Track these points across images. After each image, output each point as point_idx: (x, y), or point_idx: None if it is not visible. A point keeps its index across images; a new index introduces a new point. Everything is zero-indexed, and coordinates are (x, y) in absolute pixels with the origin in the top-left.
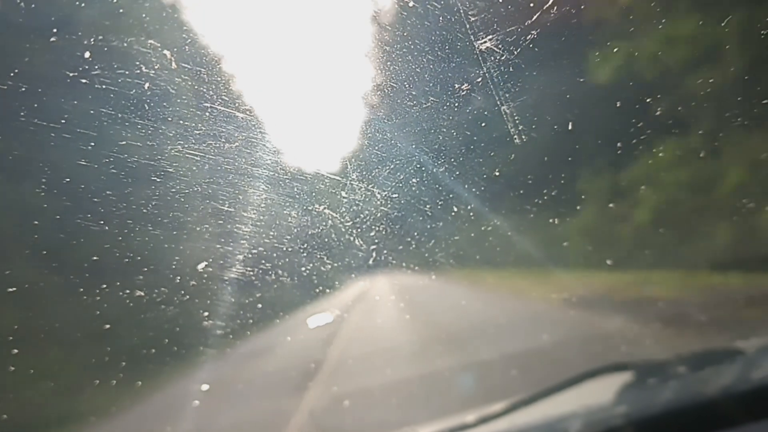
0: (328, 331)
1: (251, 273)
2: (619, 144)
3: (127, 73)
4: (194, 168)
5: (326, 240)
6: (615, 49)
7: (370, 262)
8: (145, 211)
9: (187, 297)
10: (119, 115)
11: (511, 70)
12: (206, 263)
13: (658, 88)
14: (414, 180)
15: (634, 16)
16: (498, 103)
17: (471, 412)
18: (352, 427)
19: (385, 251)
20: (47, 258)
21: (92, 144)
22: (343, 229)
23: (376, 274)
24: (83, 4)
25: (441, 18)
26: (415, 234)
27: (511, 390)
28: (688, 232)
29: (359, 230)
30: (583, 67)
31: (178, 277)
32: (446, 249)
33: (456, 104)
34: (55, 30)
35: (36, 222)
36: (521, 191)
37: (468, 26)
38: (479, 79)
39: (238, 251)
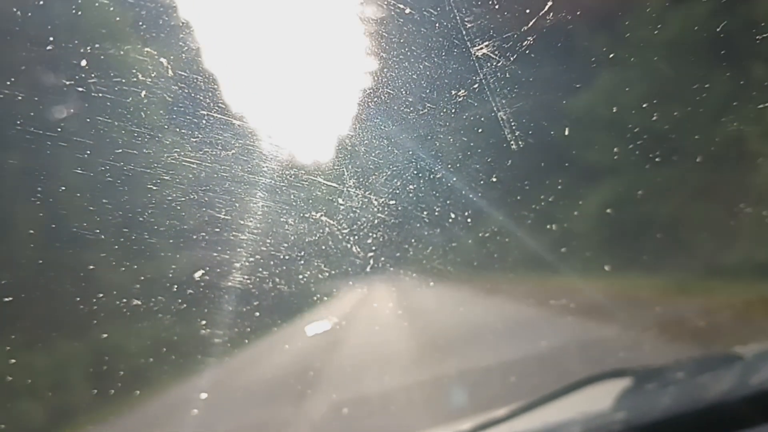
0: (327, 338)
1: (249, 281)
2: (616, 149)
3: (123, 80)
4: (191, 176)
5: (323, 247)
6: (611, 55)
7: (368, 269)
8: (141, 219)
9: (185, 305)
10: (115, 123)
11: (507, 76)
12: (203, 271)
13: (654, 93)
14: (411, 186)
15: (630, 22)
16: (495, 109)
17: (470, 419)
18: None
19: (382, 258)
20: (43, 267)
21: (88, 152)
22: (341, 237)
23: (374, 282)
24: (79, 12)
25: (438, 24)
26: (413, 241)
27: (510, 397)
28: (686, 238)
29: (357, 237)
30: (580, 73)
31: (175, 286)
32: (444, 255)
33: (453, 110)
34: (51, 38)
35: (32, 231)
36: (518, 197)
37: (464, 32)
38: (476, 86)
39: (235, 259)
